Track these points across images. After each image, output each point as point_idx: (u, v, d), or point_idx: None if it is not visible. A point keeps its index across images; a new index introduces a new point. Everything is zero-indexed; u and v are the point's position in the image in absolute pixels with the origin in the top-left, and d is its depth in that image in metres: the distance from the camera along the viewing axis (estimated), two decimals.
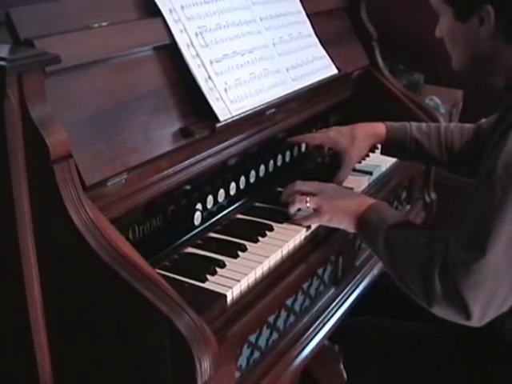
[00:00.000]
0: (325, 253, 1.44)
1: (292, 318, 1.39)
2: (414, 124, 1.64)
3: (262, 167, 1.57)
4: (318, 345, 1.44)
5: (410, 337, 1.42)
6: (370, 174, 1.72)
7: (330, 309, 1.52)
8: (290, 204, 1.40)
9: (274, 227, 1.39)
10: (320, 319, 1.48)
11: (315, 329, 1.45)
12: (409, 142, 1.61)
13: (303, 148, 1.75)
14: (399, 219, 1.28)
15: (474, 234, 1.11)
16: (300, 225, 1.39)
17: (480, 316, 1.11)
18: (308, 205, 1.37)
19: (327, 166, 1.77)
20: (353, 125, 1.66)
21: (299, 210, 1.42)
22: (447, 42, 1.32)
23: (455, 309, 1.12)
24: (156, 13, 1.32)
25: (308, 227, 1.39)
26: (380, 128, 1.64)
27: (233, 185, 1.46)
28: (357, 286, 1.63)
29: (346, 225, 1.33)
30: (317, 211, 1.37)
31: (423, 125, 1.65)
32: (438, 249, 1.15)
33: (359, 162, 1.74)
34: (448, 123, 1.71)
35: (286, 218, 1.41)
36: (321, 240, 1.42)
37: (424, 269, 1.15)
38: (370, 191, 1.68)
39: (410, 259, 1.18)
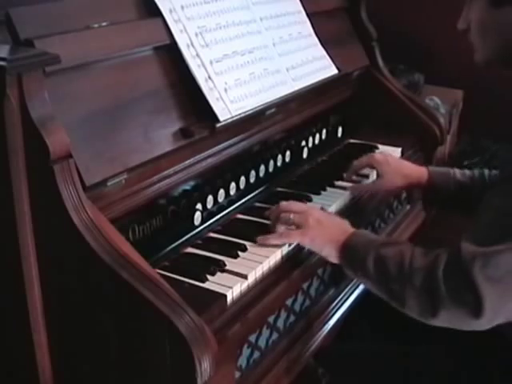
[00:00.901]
0: None
1: (292, 318, 1.39)
2: (457, 170, 1.61)
3: (262, 167, 1.57)
4: (318, 345, 1.44)
5: (399, 364, 1.39)
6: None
7: (329, 309, 1.52)
8: (272, 219, 1.35)
9: None
10: (320, 319, 1.48)
11: (315, 329, 1.45)
12: (452, 186, 1.56)
13: (303, 148, 1.75)
14: (388, 239, 1.27)
15: (501, 226, 1.08)
16: (278, 242, 1.31)
17: (491, 315, 1.08)
18: (291, 220, 1.31)
19: (327, 167, 1.77)
20: (400, 160, 1.68)
21: None
22: (475, 33, 1.28)
23: (465, 307, 1.08)
24: (156, 13, 1.32)
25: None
26: (422, 171, 1.61)
27: (233, 185, 1.46)
28: (357, 286, 1.63)
29: (327, 251, 1.28)
30: (301, 229, 1.30)
31: (467, 170, 1.61)
32: (442, 250, 1.14)
33: None
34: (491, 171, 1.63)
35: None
36: None
37: (427, 270, 1.12)
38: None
39: (409, 266, 1.15)
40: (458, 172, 1.60)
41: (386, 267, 1.18)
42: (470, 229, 1.14)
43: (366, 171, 1.71)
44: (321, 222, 1.29)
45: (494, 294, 1.07)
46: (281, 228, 1.33)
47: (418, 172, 1.61)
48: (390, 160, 1.64)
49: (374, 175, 1.69)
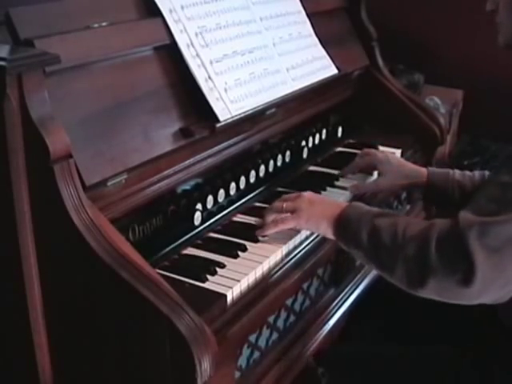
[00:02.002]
0: (325, 252, 1.44)
1: (292, 318, 1.39)
2: (457, 170, 1.61)
3: (262, 167, 1.57)
4: (318, 345, 1.44)
5: (399, 364, 1.39)
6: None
7: (329, 309, 1.52)
8: (266, 212, 1.36)
9: None
10: (320, 319, 1.48)
11: (315, 329, 1.45)
12: (451, 186, 1.57)
13: (303, 148, 1.75)
14: (383, 210, 1.27)
15: (501, 199, 1.08)
16: (275, 229, 1.32)
17: (481, 285, 1.06)
18: (284, 209, 1.32)
19: (326, 167, 1.77)
20: (401, 160, 1.68)
21: None
22: (503, 12, 1.27)
23: (455, 274, 1.07)
24: (156, 13, 1.32)
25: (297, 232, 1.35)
26: (422, 171, 1.62)
27: (233, 185, 1.46)
28: (357, 286, 1.63)
29: (324, 227, 1.28)
30: (294, 213, 1.31)
31: (467, 171, 1.62)
32: (436, 221, 1.13)
33: None
34: None
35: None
36: (321, 240, 1.42)
37: (420, 238, 1.11)
38: None
39: (402, 235, 1.14)
40: (457, 173, 1.60)
41: (379, 237, 1.18)
42: (472, 202, 1.13)
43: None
44: (313, 202, 1.31)
45: (489, 264, 1.05)
46: (273, 216, 1.34)
47: (419, 172, 1.62)
48: (392, 159, 1.65)
49: (375, 174, 1.69)
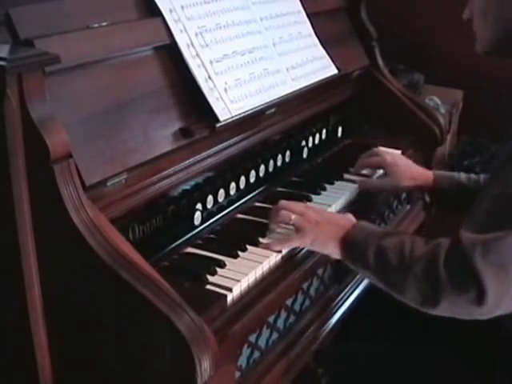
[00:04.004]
0: None
1: (292, 318, 1.39)
2: (462, 174, 1.63)
3: (262, 167, 1.57)
4: (318, 345, 1.44)
5: (399, 364, 1.39)
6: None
7: (329, 309, 1.52)
8: (272, 219, 1.35)
9: None
10: (320, 319, 1.48)
11: (315, 329, 1.45)
12: (457, 189, 1.59)
13: (303, 148, 1.75)
14: (388, 230, 1.28)
15: (501, 212, 1.08)
16: (279, 248, 1.31)
17: (493, 302, 1.07)
18: (291, 221, 1.30)
19: (326, 167, 1.77)
20: (409, 162, 1.69)
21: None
22: (478, 20, 1.28)
23: (467, 295, 1.07)
24: (156, 13, 1.32)
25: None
26: (428, 175, 1.65)
27: (233, 185, 1.46)
28: (357, 286, 1.63)
29: (331, 249, 1.27)
30: (299, 232, 1.30)
31: (472, 175, 1.63)
32: (442, 240, 1.13)
33: None
34: None
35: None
36: None
37: (428, 259, 1.12)
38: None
39: (410, 256, 1.15)
40: (463, 176, 1.61)
41: (386, 258, 1.18)
42: (469, 217, 1.14)
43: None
44: (318, 223, 1.29)
45: (497, 280, 1.06)
46: (279, 230, 1.33)
47: (425, 175, 1.65)
48: (400, 162, 1.68)
49: (381, 171, 1.72)
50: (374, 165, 1.72)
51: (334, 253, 1.27)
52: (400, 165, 1.66)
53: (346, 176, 1.70)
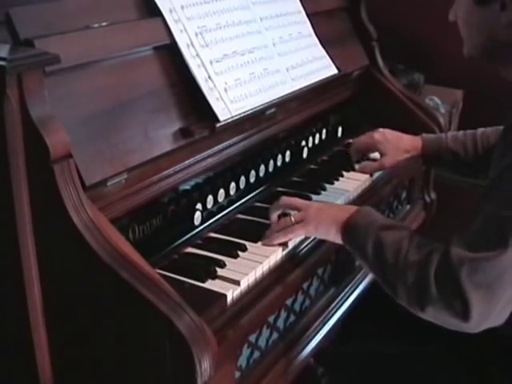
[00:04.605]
0: (325, 252, 1.44)
1: (292, 318, 1.39)
2: (449, 134, 1.66)
3: (262, 167, 1.57)
4: (318, 345, 1.44)
5: (399, 364, 1.39)
6: None
7: (329, 309, 1.52)
8: (273, 226, 1.33)
9: None
10: (320, 319, 1.48)
11: (315, 329, 1.45)
12: (444, 153, 1.63)
13: (303, 148, 1.75)
14: (390, 221, 1.26)
15: (488, 233, 1.08)
16: (284, 239, 1.31)
17: (478, 320, 1.08)
18: (292, 218, 1.30)
19: (326, 167, 1.77)
20: (397, 134, 1.72)
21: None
22: (461, 27, 1.28)
23: (452, 310, 1.09)
24: (156, 13, 1.32)
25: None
26: (418, 142, 1.68)
27: (233, 185, 1.46)
28: (357, 286, 1.63)
29: (334, 233, 1.27)
30: (302, 221, 1.30)
31: (459, 133, 1.66)
32: (436, 247, 1.13)
33: None
34: (485, 128, 1.66)
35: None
36: (321, 240, 1.42)
37: (419, 267, 1.12)
38: (371, 189, 1.69)
39: (404, 258, 1.15)
40: (450, 138, 1.65)
41: (383, 253, 1.18)
42: (462, 231, 1.13)
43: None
44: (321, 209, 1.30)
45: (482, 301, 1.07)
46: (281, 224, 1.32)
47: (415, 143, 1.69)
48: (389, 137, 1.71)
49: (377, 155, 1.75)
50: (364, 145, 1.74)
51: (337, 237, 1.27)
52: (390, 140, 1.69)
53: (346, 176, 1.70)
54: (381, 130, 1.74)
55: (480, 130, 1.64)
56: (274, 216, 1.36)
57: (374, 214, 1.27)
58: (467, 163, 1.62)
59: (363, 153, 1.77)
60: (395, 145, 1.68)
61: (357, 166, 1.72)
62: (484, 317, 1.08)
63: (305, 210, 1.31)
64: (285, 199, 1.36)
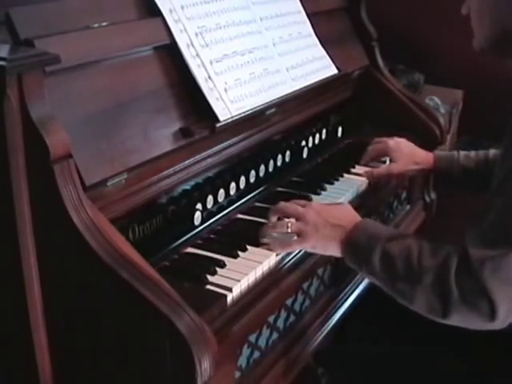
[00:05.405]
0: None
1: (292, 318, 1.39)
2: (462, 152, 1.69)
3: (262, 167, 1.57)
4: (317, 345, 1.44)
5: (398, 364, 1.39)
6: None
7: (329, 309, 1.52)
8: (269, 226, 1.31)
9: None
10: (320, 319, 1.48)
11: (315, 329, 1.45)
12: (456, 169, 1.65)
13: (303, 148, 1.75)
14: (391, 231, 1.25)
15: (505, 227, 1.08)
16: (281, 251, 1.29)
17: (505, 316, 1.08)
18: (289, 230, 1.27)
19: (326, 167, 1.77)
20: (412, 145, 1.74)
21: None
22: (474, 17, 1.28)
23: (478, 311, 1.08)
24: (156, 13, 1.32)
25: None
26: (430, 157, 1.71)
27: (233, 185, 1.46)
28: (357, 286, 1.63)
29: (332, 251, 1.26)
30: (299, 237, 1.27)
31: (471, 152, 1.68)
32: (451, 250, 1.12)
33: None
34: (498, 150, 1.61)
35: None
36: None
37: (437, 272, 1.10)
38: (371, 189, 1.69)
39: (418, 265, 1.13)
40: (462, 156, 1.67)
41: (392, 265, 1.16)
42: (472, 230, 1.13)
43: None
44: (317, 227, 1.26)
45: (507, 296, 1.07)
46: (275, 234, 1.30)
47: (427, 158, 1.71)
48: (403, 146, 1.73)
49: (387, 160, 1.77)
50: (378, 152, 1.76)
51: (337, 254, 1.26)
52: (403, 149, 1.71)
53: (346, 176, 1.70)
54: (396, 138, 1.75)
55: (492, 151, 1.65)
56: (273, 220, 1.34)
57: (373, 227, 1.25)
58: (478, 178, 1.62)
59: (375, 158, 1.79)
60: (407, 154, 1.70)
61: (363, 172, 1.71)
62: (510, 313, 1.09)
63: (302, 219, 1.27)
64: (282, 206, 1.32)
